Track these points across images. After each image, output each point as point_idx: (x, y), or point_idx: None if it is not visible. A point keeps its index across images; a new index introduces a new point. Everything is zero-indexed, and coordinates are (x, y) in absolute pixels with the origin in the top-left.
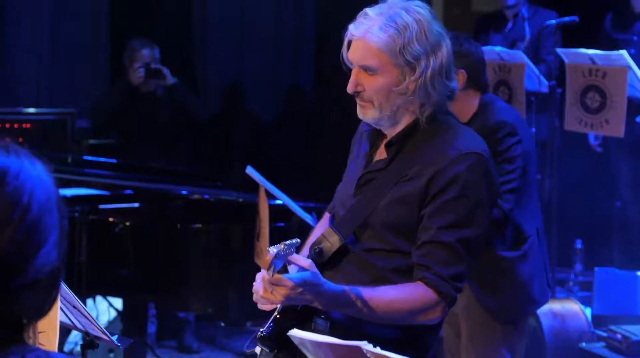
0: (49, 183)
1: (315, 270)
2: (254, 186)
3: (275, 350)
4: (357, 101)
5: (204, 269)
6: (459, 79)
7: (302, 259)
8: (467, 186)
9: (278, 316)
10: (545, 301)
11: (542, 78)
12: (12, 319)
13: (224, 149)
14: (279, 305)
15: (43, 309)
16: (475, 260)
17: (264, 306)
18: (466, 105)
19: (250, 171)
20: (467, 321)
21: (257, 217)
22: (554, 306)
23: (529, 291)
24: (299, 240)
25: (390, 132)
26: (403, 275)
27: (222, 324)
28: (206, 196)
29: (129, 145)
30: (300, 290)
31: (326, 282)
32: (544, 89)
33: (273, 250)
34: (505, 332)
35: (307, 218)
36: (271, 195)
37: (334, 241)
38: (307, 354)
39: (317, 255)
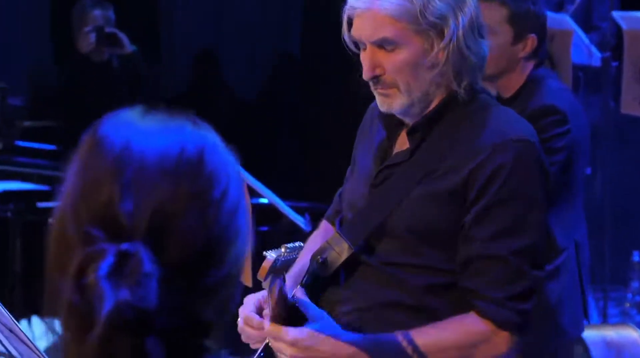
0: (238, 169)
1: (329, 319)
2: None
3: None
4: (377, 90)
5: None
6: (527, 45)
7: (309, 306)
8: (515, 181)
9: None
10: (576, 335)
11: (593, 49)
12: (202, 323)
13: None
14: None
15: (227, 309)
16: (541, 270)
17: (249, 337)
18: (514, 78)
19: None
20: None
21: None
22: (607, 333)
23: (556, 318)
24: (302, 244)
25: (416, 119)
26: (442, 295)
27: None
28: None
29: (74, 128)
30: (305, 343)
31: (346, 333)
32: (596, 62)
33: (271, 254)
34: None
35: (299, 220)
36: (254, 192)
37: (341, 250)
38: None
39: (320, 267)
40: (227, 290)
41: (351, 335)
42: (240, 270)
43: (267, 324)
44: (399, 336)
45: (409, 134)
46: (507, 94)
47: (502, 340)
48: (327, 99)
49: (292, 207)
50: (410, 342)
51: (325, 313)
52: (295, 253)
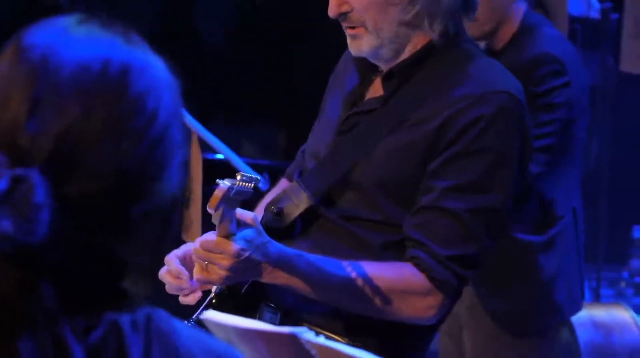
0: (176, 87)
1: (260, 226)
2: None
3: None
4: (346, 30)
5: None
6: None
7: (242, 212)
8: (491, 134)
9: (214, 301)
10: (572, 312)
11: None
12: (119, 263)
13: None
14: (214, 287)
15: (147, 250)
16: (495, 242)
17: (187, 298)
18: (505, 28)
19: None
20: (472, 334)
21: (186, 176)
22: (597, 314)
23: (551, 293)
24: (260, 176)
25: (391, 65)
26: (401, 254)
27: None
28: None
29: None
30: (246, 254)
31: (273, 241)
32: (594, 14)
33: (225, 182)
34: (525, 347)
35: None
36: (208, 147)
37: (299, 201)
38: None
39: (274, 217)
40: (149, 228)
41: (283, 248)
42: (170, 208)
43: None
44: (331, 261)
45: (383, 80)
46: (498, 45)
47: (435, 300)
48: (299, 50)
49: (250, 165)
50: (343, 269)
51: (256, 216)
52: (252, 183)
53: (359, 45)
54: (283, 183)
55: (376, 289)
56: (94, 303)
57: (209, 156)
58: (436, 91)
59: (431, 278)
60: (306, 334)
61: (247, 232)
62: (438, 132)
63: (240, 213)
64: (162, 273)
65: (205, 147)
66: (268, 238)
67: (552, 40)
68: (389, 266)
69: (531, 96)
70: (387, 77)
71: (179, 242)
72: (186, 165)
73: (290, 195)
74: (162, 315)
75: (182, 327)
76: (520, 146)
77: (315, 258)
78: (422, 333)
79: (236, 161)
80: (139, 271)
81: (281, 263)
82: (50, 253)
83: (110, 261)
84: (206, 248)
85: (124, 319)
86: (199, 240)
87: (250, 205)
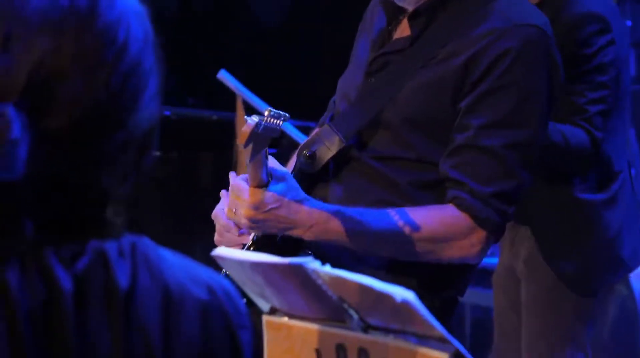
0: (145, 16)
1: (293, 181)
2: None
3: (244, 300)
4: None
5: (162, 216)
6: None
7: (276, 165)
8: (519, 68)
9: (252, 248)
10: (636, 266)
11: None
12: (99, 193)
13: (206, 55)
14: (252, 235)
15: (125, 180)
16: (532, 174)
17: (224, 246)
18: None
19: (223, 75)
20: (531, 286)
21: (234, 141)
22: None
23: (618, 249)
24: (287, 114)
25: (418, 4)
26: (434, 192)
27: None
28: (166, 113)
29: None
30: (268, 207)
31: (309, 199)
32: None
33: (253, 119)
34: (583, 305)
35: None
36: (254, 110)
37: (331, 144)
38: (246, 289)
39: (307, 161)
40: (128, 156)
41: (318, 204)
42: (148, 136)
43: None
44: (371, 212)
45: (410, 19)
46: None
47: (478, 238)
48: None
49: (299, 128)
50: (384, 220)
51: (290, 174)
52: (280, 120)
53: None
54: (316, 131)
55: (420, 235)
56: (77, 232)
57: (272, 108)
58: (463, 27)
59: (474, 217)
60: (312, 263)
61: (278, 187)
62: (466, 67)
63: (272, 166)
64: (217, 238)
65: (251, 109)
66: (303, 195)
67: None
68: (429, 209)
69: (581, 58)
70: (414, 17)
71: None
72: (159, 94)
73: (323, 138)
74: (147, 243)
75: (168, 255)
76: (549, 78)
77: (354, 211)
78: (457, 275)
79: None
80: (120, 200)
81: (317, 219)
82: (29, 187)
83: (89, 191)
84: (234, 192)
85: (110, 247)
86: (232, 182)
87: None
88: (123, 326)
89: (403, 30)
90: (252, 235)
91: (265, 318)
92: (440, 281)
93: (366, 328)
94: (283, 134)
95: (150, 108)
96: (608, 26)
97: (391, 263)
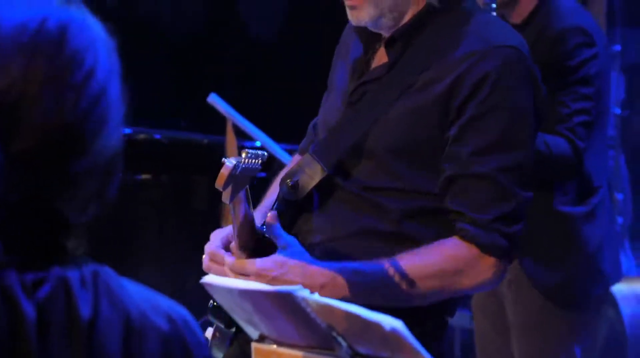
0: (112, 47)
1: (299, 246)
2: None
3: (234, 327)
4: (345, 1)
5: (155, 237)
6: None
7: (278, 232)
8: (502, 90)
9: None
10: (617, 279)
11: None
12: (62, 219)
13: (199, 76)
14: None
15: (88, 208)
16: (531, 191)
17: (213, 272)
18: (524, 0)
19: (213, 99)
20: (517, 307)
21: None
22: None
23: (598, 262)
24: (265, 153)
25: (392, 30)
26: (421, 221)
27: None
28: (156, 137)
29: None
30: (272, 275)
31: (313, 262)
32: None
33: (230, 161)
34: (572, 319)
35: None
36: (244, 133)
37: (313, 173)
38: (234, 315)
39: (290, 191)
40: (92, 183)
41: (323, 263)
42: (113, 163)
43: (230, 259)
44: (379, 263)
45: (387, 46)
46: (517, 19)
47: (488, 265)
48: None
49: (287, 151)
50: (393, 269)
51: (295, 240)
52: (258, 160)
53: (359, 15)
54: (296, 159)
55: (428, 276)
56: (40, 258)
57: (247, 144)
58: (440, 52)
59: (479, 246)
60: (301, 292)
61: (284, 253)
62: (449, 92)
63: (278, 233)
64: (207, 265)
65: (241, 134)
66: (307, 258)
67: (575, 12)
68: (430, 247)
69: (566, 70)
70: (390, 43)
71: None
72: (123, 124)
73: (304, 167)
74: (108, 272)
75: (129, 284)
76: (532, 97)
77: (357, 265)
78: (439, 317)
79: (272, 147)
80: (81, 229)
81: (327, 280)
82: None
83: (54, 217)
84: (237, 271)
85: (72, 275)
86: (212, 241)
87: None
88: (85, 356)
89: (380, 58)
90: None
91: (254, 345)
92: (433, 305)
93: (355, 356)
94: (273, 158)
95: (114, 136)
96: (592, 40)
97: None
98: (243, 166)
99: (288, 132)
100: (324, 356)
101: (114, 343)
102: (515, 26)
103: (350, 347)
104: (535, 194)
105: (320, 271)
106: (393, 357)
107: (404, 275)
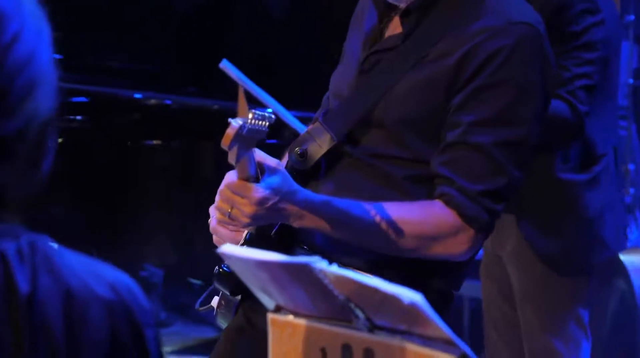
0: (44, 19)
1: (285, 172)
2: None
3: (239, 294)
4: None
5: (164, 203)
6: None
7: (266, 157)
8: (513, 65)
9: (244, 246)
10: (619, 248)
11: None
12: None
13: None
14: (245, 232)
15: (24, 178)
16: (524, 173)
17: (222, 238)
18: None
19: (225, 65)
20: (520, 274)
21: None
22: None
23: (598, 230)
24: (273, 116)
25: (409, 1)
26: (428, 187)
27: (198, 282)
28: (167, 102)
29: (59, 32)
30: (270, 202)
31: (301, 189)
32: None
33: (237, 121)
34: (575, 284)
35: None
36: (255, 100)
37: (322, 142)
38: (250, 285)
39: (298, 159)
40: (24, 149)
41: (306, 193)
42: (45, 129)
43: (232, 178)
44: (366, 210)
45: (402, 17)
46: None
47: (466, 237)
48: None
49: (299, 118)
50: (379, 219)
51: (280, 164)
52: (265, 121)
53: None
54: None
55: (406, 231)
56: None
57: (259, 111)
58: (455, 25)
59: (461, 215)
60: (319, 263)
61: (274, 179)
62: (459, 65)
63: (265, 159)
64: (214, 225)
65: (253, 100)
66: (296, 186)
67: None
68: (417, 205)
69: (570, 35)
70: (406, 14)
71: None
72: (56, 91)
73: (314, 136)
74: (47, 242)
75: (70, 254)
76: (542, 75)
77: (344, 203)
78: (450, 269)
79: (284, 114)
80: (17, 199)
81: (308, 210)
82: None
83: None
84: (231, 190)
85: (8, 246)
86: (225, 182)
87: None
88: (26, 329)
89: (395, 27)
90: (246, 232)
91: (270, 316)
92: (429, 272)
93: (372, 328)
94: (285, 126)
95: (46, 102)
96: (597, 6)
97: (380, 256)
98: (249, 126)
99: (298, 99)
100: (341, 327)
101: (55, 315)
102: None
103: (367, 318)
104: (534, 161)
105: (304, 202)
106: (411, 329)
107: (387, 230)
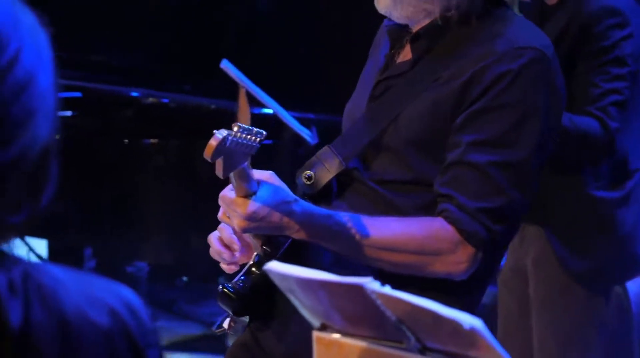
0: (45, 38)
1: (279, 182)
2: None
3: (245, 314)
4: None
5: (160, 201)
6: None
7: (258, 172)
8: (517, 89)
9: (253, 268)
10: None
11: None
12: None
13: (204, 41)
14: (254, 254)
15: (20, 208)
16: (527, 197)
17: (227, 267)
18: None
19: (225, 65)
20: (539, 287)
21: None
22: None
23: (631, 246)
24: (264, 132)
25: (417, 27)
26: (434, 214)
27: (184, 279)
28: (164, 101)
29: (57, 29)
30: (260, 215)
31: (301, 201)
32: None
33: (221, 133)
34: (593, 307)
35: (305, 133)
36: (256, 101)
37: (331, 166)
38: (295, 301)
39: (306, 183)
40: (21, 179)
41: (305, 205)
42: (44, 158)
43: (230, 194)
44: (361, 219)
45: (411, 42)
46: (552, 0)
47: (465, 255)
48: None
49: (298, 119)
50: (373, 227)
51: (273, 175)
52: (253, 136)
53: (377, 3)
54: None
55: (406, 246)
56: None
57: (257, 111)
58: (463, 50)
59: (460, 230)
60: (372, 284)
61: (263, 192)
62: (465, 88)
63: (256, 173)
64: (212, 238)
65: (253, 101)
66: (293, 196)
67: None
68: (418, 221)
69: (598, 51)
70: (415, 39)
71: None
72: (56, 117)
73: (322, 160)
74: (41, 269)
75: (65, 277)
76: (547, 100)
77: (347, 217)
78: (466, 288)
79: (284, 115)
80: (12, 229)
81: (306, 221)
82: None
83: None
84: (224, 203)
85: (0, 280)
86: (221, 193)
87: (301, 156)
88: None
89: (405, 54)
90: (255, 254)
91: (315, 334)
92: (463, 298)
93: (423, 350)
94: (284, 126)
95: (44, 128)
96: (626, 20)
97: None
98: (233, 139)
99: (294, 100)
100: (391, 348)
101: (49, 348)
102: (549, 7)
103: (418, 340)
104: (564, 179)
105: (302, 215)
106: (465, 353)
107: (387, 244)
